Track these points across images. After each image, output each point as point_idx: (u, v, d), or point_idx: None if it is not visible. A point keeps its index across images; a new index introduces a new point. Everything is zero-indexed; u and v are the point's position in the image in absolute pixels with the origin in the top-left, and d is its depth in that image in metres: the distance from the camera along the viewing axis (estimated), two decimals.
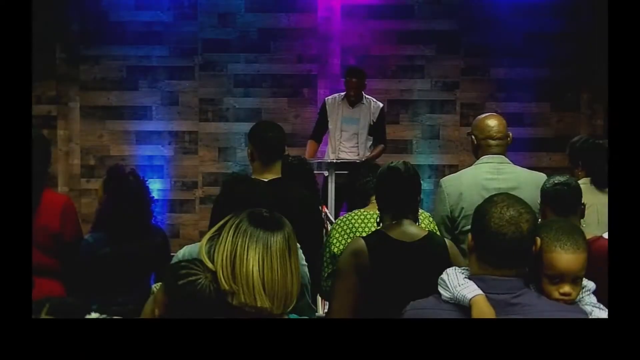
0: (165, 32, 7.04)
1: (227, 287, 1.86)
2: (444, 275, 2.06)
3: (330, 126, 6.36)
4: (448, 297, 2.00)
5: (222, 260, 1.88)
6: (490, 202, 2.02)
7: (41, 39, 6.34)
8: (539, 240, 2.02)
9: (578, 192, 3.02)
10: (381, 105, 6.37)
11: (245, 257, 1.86)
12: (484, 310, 1.91)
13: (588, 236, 2.95)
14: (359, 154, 6.24)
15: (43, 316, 1.75)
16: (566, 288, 2.01)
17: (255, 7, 7.04)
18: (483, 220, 1.99)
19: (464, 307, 1.95)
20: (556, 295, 2.01)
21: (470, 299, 1.93)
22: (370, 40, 7.03)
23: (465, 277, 2.01)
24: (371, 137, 6.34)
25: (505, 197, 2.03)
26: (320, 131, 6.46)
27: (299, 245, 2.07)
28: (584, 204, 3.04)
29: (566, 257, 2.01)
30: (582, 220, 3.06)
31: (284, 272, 1.87)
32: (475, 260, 2.02)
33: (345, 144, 6.32)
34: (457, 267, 2.10)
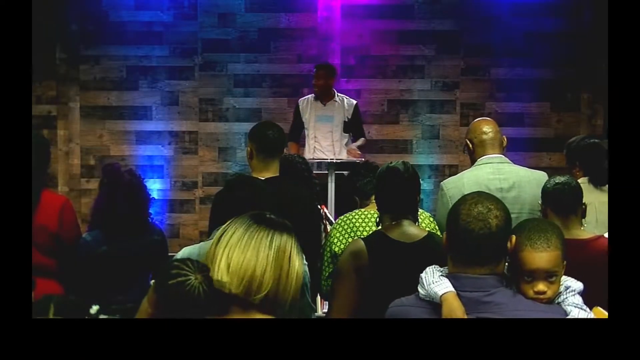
0: (165, 32, 7.03)
1: (207, 264, 1.90)
2: (422, 273, 2.07)
3: (305, 126, 6.39)
4: (423, 295, 2.02)
5: (213, 242, 1.94)
6: (461, 200, 2.03)
7: (41, 39, 6.34)
8: (514, 238, 2.02)
9: (578, 192, 3.01)
10: (355, 102, 6.43)
11: (226, 238, 1.91)
12: (453, 307, 1.91)
13: (589, 235, 2.96)
14: (334, 153, 6.25)
15: (50, 316, 1.75)
16: (540, 286, 2.00)
17: (255, 7, 7.04)
18: (453, 217, 2.00)
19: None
20: (531, 293, 2.00)
21: (441, 296, 1.94)
22: (370, 40, 7.03)
23: (442, 275, 2.02)
24: (346, 135, 6.36)
25: (475, 195, 2.03)
26: (296, 132, 6.49)
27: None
28: (585, 204, 3.04)
29: (536, 255, 2.00)
30: (583, 220, 3.05)
31: (253, 256, 1.87)
32: (450, 259, 2.03)
33: (322, 142, 6.34)
34: (436, 266, 2.10)
